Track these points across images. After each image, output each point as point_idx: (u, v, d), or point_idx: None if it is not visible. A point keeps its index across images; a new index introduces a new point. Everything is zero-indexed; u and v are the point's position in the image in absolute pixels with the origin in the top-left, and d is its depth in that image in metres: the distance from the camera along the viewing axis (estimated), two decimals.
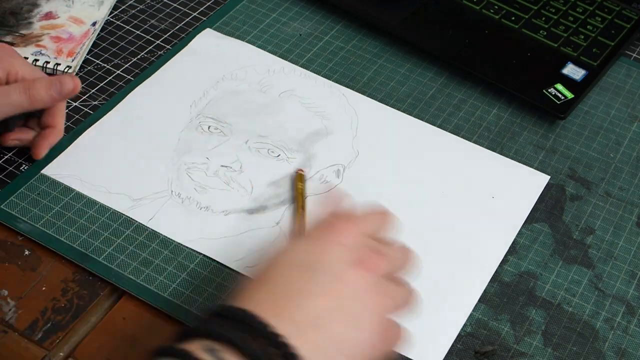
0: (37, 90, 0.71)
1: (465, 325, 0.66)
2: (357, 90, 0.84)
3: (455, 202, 0.75)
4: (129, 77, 0.83)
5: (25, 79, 0.72)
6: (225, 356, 0.49)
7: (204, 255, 0.69)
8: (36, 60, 0.82)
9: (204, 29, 0.88)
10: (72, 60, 0.83)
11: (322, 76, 0.85)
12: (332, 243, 0.55)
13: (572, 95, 0.84)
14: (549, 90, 0.84)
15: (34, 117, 0.76)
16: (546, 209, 0.75)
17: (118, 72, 0.84)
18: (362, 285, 0.55)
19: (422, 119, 0.82)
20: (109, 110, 0.79)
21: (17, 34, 0.84)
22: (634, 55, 0.92)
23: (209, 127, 0.78)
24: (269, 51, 0.87)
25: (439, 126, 0.81)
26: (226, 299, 0.54)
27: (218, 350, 0.49)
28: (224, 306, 0.52)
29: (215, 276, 0.68)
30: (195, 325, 0.51)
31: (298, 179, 0.74)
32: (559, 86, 0.85)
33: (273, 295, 0.53)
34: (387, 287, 0.56)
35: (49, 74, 0.81)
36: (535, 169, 0.79)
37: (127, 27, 0.89)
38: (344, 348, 0.53)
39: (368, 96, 0.84)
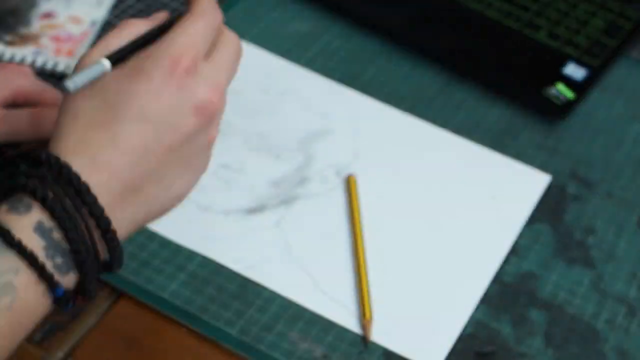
0: (45, 122, 0.69)
1: (465, 325, 0.66)
2: (357, 90, 0.84)
3: (455, 202, 0.75)
4: None
5: (33, 100, 0.71)
6: (56, 236, 0.49)
7: (204, 256, 0.69)
8: (35, 60, 0.82)
9: None
10: (71, 60, 0.83)
11: (322, 76, 0.85)
12: (172, 87, 0.53)
13: (574, 95, 0.84)
14: (550, 90, 0.84)
15: None
16: (547, 209, 0.75)
17: None
18: (198, 132, 0.54)
19: (422, 119, 0.82)
20: None
21: (16, 34, 0.84)
22: (636, 55, 0.92)
23: None
24: (269, 51, 0.87)
25: (440, 126, 0.81)
26: (58, 141, 0.52)
27: (50, 229, 0.49)
28: (56, 158, 0.51)
29: (215, 276, 0.68)
30: (25, 181, 0.50)
31: (351, 185, 0.74)
32: (560, 86, 0.85)
33: (113, 152, 0.52)
34: (218, 120, 0.56)
35: (48, 74, 0.81)
36: (536, 169, 0.79)
37: None
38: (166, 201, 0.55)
39: (368, 96, 0.83)
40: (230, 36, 0.58)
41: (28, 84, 0.72)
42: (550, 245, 0.73)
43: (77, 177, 0.50)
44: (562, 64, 0.87)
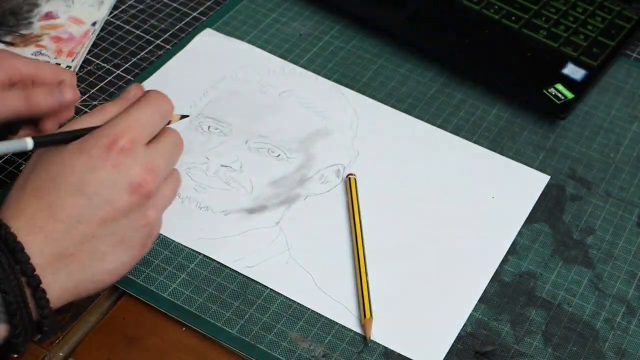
0: (37, 98, 0.70)
1: (465, 325, 0.66)
2: (357, 90, 0.84)
3: (455, 202, 0.75)
4: (129, 77, 0.83)
5: (28, 78, 0.72)
6: None
7: (204, 255, 0.69)
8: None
9: (204, 29, 0.88)
10: (72, 61, 0.83)
11: (322, 76, 0.85)
12: (108, 164, 0.58)
13: (573, 95, 0.84)
14: (549, 90, 0.84)
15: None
16: (546, 209, 0.75)
17: (118, 72, 0.84)
18: (133, 209, 0.59)
19: (422, 119, 0.82)
20: None
21: (17, 34, 0.84)
22: (634, 55, 0.92)
23: (208, 127, 0.78)
24: (269, 51, 0.87)
25: (439, 126, 0.81)
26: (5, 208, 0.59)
27: None
28: None
29: (215, 276, 0.68)
30: None
31: (351, 184, 0.74)
32: (559, 86, 0.85)
33: (49, 221, 0.57)
34: (156, 204, 0.61)
35: None
36: (535, 169, 0.79)
37: (127, 27, 0.89)
38: (99, 273, 0.59)
39: (368, 96, 0.83)
40: (171, 130, 0.64)
41: (21, 64, 0.72)
42: (549, 244, 0.73)
43: (13, 237, 0.55)
44: (561, 64, 0.87)
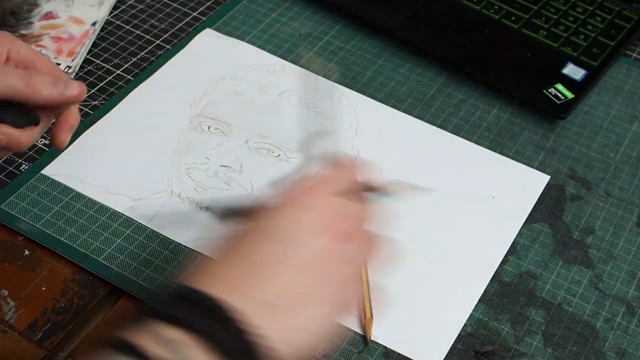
0: (38, 83, 0.64)
1: (465, 325, 0.66)
2: (357, 90, 0.84)
3: (455, 202, 0.75)
4: (129, 77, 0.83)
5: (26, 61, 0.66)
6: (188, 350, 0.48)
7: (204, 255, 0.69)
8: None
9: (204, 29, 0.88)
10: (72, 60, 0.83)
11: (322, 76, 0.85)
12: (301, 208, 0.55)
13: (572, 95, 0.84)
14: (549, 90, 0.84)
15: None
16: (546, 209, 0.75)
17: (118, 72, 0.84)
18: (326, 254, 0.54)
19: (422, 119, 0.82)
20: (109, 111, 0.79)
21: (17, 34, 0.84)
22: (634, 55, 0.92)
23: (209, 127, 0.78)
24: (269, 51, 0.87)
25: (439, 126, 0.81)
26: (188, 276, 0.53)
27: (179, 343, 0.48)
28: (188, 288, 0.50)
29: None
30: (161, 308, 0.49)
31: None
32: (559, 86, 0.85)
33: (238, 271, 0.52)
34: (352, 250, 0.55)
35: None
36: (535, 169, 0.79)
37: (127, 27, 0.89)
38: (307, 322, 0.52)
39: (368, 96, 0.83)
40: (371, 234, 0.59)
41: (22, 46, 0.66)
42: (549, 244, 0.73)
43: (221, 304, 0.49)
44: (561, 64, 0.87)
